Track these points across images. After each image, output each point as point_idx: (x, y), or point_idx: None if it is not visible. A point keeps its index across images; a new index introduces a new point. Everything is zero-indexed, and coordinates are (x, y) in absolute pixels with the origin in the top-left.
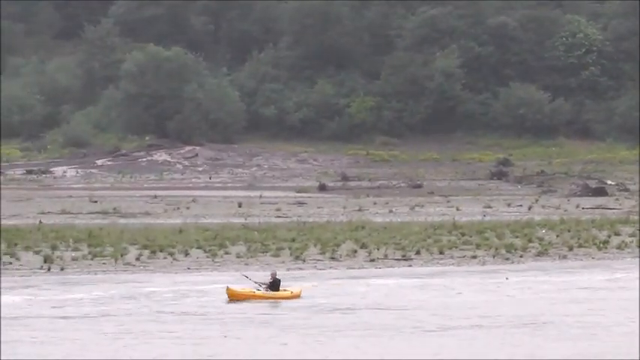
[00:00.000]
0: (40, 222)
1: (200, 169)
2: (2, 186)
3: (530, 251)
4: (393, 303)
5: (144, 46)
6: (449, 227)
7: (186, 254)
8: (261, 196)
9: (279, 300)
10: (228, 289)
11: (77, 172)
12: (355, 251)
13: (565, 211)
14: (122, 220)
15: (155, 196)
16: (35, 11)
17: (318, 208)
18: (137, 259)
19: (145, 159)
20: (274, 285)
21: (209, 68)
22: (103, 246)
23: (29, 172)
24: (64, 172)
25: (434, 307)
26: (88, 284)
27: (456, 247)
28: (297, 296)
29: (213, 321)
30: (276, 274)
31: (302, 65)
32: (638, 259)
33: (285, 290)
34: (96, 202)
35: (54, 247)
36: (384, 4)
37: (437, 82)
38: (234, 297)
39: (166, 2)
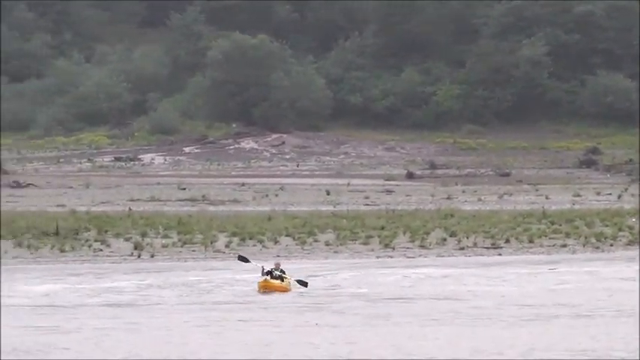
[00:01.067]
0: (130, 209)
1: (287, 156)
2: (92, 173)
3: (620, 240)
4: (489, 291)
5: (229, 34)
6: (538, 216)
7: (276, 242)
8: (349, 184)
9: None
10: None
11: (165, 160)
12: (444, 239)
13: None
14: (211, 208)
15: (243, 184)
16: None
17: (407, 196)
18: (227, 246)
19: (232, 147)
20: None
21: (295, 56)
22: (192, 233)
23: (118, 159)
24: (152, 159)
25: (536, 295)
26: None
27: (546, 236)
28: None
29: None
30: (280, 266)
31: (387, 53)
32: None
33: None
34: (184, 189)
35: (144, 234)
36: None
37: (523, 70)
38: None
39: None
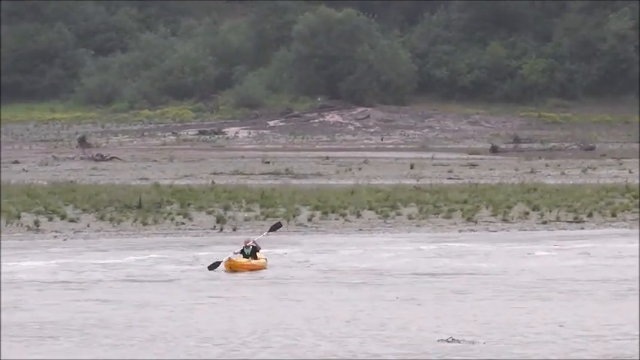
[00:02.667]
0: (213, 182)
1: (372, 130)
2: (176, 146)
3: None
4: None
5: (315, 8)
6: (621, 190)
7: (358, 215)
8: (433, 158)
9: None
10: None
11: (249, 133)
12: (527, 213)
13: None
14: (294, 181)
15: (327, 157)
16: None
17: (490, 170)
18: (309, 219)
19: (316, 120)
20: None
21: (381, 30)
22: (275, 207)
23: (202, 132)
24: (237, 132)
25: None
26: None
27: (629, 210)
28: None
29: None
30: (249, 242)
31: (473, 27)
32: None
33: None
34: (268, 162)
35: (226, 208)
36: None
37: (609, 44)
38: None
39: None
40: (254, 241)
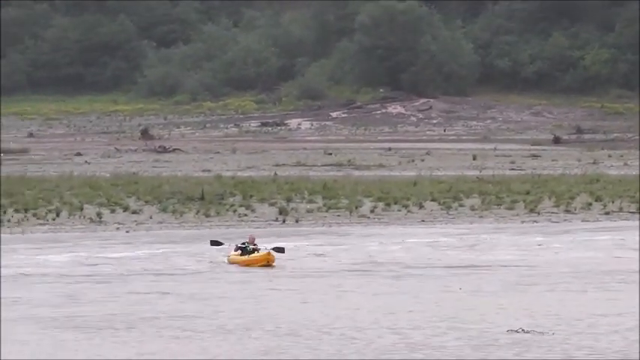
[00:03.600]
0: (275, 174)
1: (434, 121)
2: (238, 138)
3: None
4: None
5: None
6: None
7: (421, 207)
8: (495, 149)
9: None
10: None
11: (312, 125)
12: (590, 204)
13: None
14: (356, 173)
15: (389, 149)
16: None
17: (553, 160)
18: (372, 211)
19: (379, 111)
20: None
21: (443, 21)
22: (337, 198)
23: (264, 124)
24: (299, 124)
25: None
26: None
27: None
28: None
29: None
30: (254, 239)
31: (536, 17)
32: None
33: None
34: (330, 154)
35: (289, 199)
36: None
37: None
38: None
39: None
40: (257, 246)
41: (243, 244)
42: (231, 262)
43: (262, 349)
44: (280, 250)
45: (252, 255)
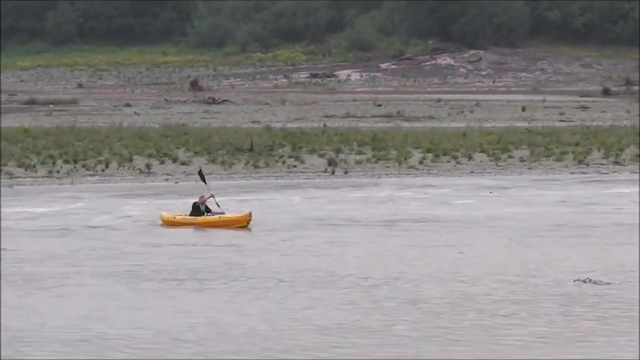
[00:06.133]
0: (325, 125)
1: (484, 73)
2: (287, 89)
3: None
4: None
5: None
6: None
7: (470, 158)
8: (544, 100)
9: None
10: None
11: (361, 76)
12: (639, 156)
13: None
14: (406, 124)
15: (439, 100)
16: None
17: (602, 112)
18: (420, 162)
19: (428, 63)
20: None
21: None
22: (386, 149)
23: (314, 75)
24: (348, 75)
25: None
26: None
27: None
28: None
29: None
30: (204, 199)
31: None
32: None
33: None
34: (380, 105)
35: (338, 151)
36: None
37: None
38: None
39: None
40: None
41: (195, 204)
42: (171, 224)
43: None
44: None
45: (229, 215)
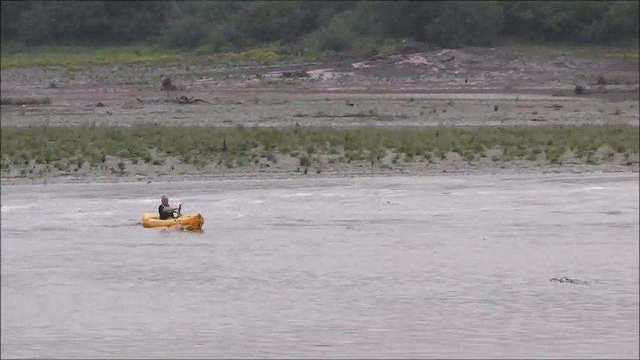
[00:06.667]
0: (297, 124)
1: (456, 72)
2: (260, 89)
3: None
4: None
5: None
6: None
7: (443, 157)
8: (517, 99)
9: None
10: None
11: (334, 75)
12: (612, 155)
13: None
14: (379, 123)
15: (412, 99)
16: None
17: (575, 111)
18: (394, 161)
19: (401, 62)
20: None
21: None
22: (359, 149)
23: (286, 75)
24: (321, 75)
25: None
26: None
27: None
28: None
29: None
30: (167, 200)
31: None
32: None
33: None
34: (352, 105)
35: (311, 150)
36: None
37: None
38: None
39: None
40: (179, 207)
41: (161, 207)
42: (147, 226)
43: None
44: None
45: (180, 218)
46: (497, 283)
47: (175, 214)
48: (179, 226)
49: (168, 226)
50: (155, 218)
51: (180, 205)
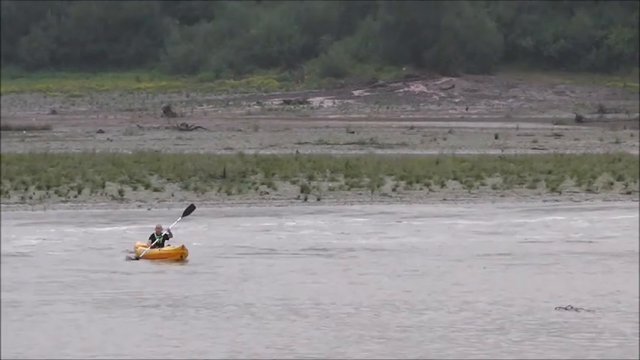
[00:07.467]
0: (298, 152)
1: (457, 100)
2: (260, 116)
3: None
4: None
5: None
6: None
7: (442, 185)
8: (517, 128)
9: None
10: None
11: (334, 103)
12: (612, 183)
13: None
14: (379, 151)
15: (412, 127)
16: None
17: (575, 140)
18: (394, 189)
19: (401, 90)
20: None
21: None
22: (359, 176)
23: (287, 102)
24: (321, 102)
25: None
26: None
27: None
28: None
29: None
30: (160, 229)
31: None
32: None
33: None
34: (353, 132)
35: (311, 177)
36: None
37: None
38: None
39: None
40: (168, 229)
41: (152, 236)
42: (142, 257)
43: None
44: (190, 209)
45: (164, 249)
46: (502, 310)
47: (166, 242)
48: (163, 256)
49: (153, 256)
50: (144, 246)
51: (169, 230)
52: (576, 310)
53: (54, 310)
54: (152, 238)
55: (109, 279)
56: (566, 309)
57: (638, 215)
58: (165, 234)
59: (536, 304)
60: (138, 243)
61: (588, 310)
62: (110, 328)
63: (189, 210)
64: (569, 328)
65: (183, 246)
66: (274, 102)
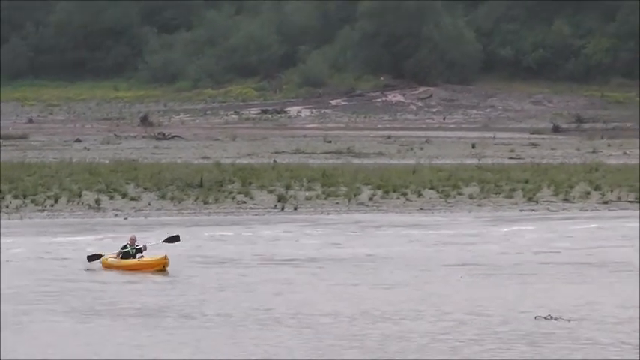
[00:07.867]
0: (275, 161)
1: (434, 109)
2: (238, 125)
3: None
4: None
5: None
6: None
7: (419, 195)
8: (494, 137)
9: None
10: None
11: (312, 112)
12: (588, 193)
13: None
14: (356, 160)
15: (389, 137)
16: None
17: (552, 149)
18: (370, 199)
19: (379, 99)
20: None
21: (445, 8)
22: (336, 186)
23: (264, 111)
24: (299, 111)
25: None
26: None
27: None
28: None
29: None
30: (135, 241)
31: (539, 5)
32: None
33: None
34: (330, 142)
35: (288, 187)
36: None
37: None
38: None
39: None
40: (144, 245)
41: (125, 246)
42: (108, 267)
43: None
44: (174, 239)
45: (146, 258)
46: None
47: (139, 255)
48: (144, 266)
49: (130, 267)
50: (114, 258)
51: (145, 246)
52: (555, 319)
53: (32, 320)
54: (125, 247)
55: (84, 288)
56: (545, 318)
57: (615, 224)
58: (140, 247)
59: (513, 314)
60: (107, 254)
61: (567, 320)
62: (87, 340)
63: (174, 239)
64: (549, 337)
65: (165, 256)
66: (252, 111)
